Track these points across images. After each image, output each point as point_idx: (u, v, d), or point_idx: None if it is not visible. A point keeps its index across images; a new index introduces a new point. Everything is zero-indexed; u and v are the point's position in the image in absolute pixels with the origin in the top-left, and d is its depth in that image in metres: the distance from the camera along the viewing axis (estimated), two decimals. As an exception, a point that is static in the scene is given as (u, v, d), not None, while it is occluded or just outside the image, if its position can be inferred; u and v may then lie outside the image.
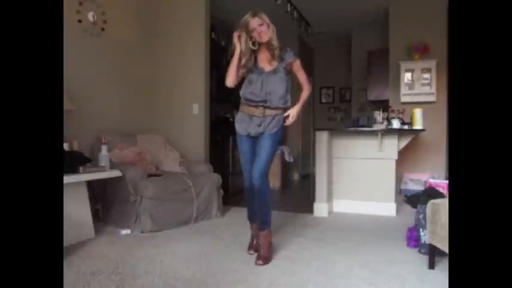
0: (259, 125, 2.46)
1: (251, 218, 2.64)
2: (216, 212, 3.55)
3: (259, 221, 2.49)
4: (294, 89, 2.62)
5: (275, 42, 2.42)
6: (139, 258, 2.38)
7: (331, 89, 7.79)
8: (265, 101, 2.43)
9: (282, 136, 2.59)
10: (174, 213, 3.17)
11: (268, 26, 2.39)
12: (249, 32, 2.37)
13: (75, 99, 3.23)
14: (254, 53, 2.45)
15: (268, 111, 2.45)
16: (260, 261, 2.32)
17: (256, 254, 2.45)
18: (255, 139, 2.51)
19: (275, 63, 2.46)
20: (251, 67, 2.45)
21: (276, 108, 2.46)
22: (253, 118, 2.47)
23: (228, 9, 5.13)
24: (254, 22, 2.35)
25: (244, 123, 2.50)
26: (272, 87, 2.43)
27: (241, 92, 2.51)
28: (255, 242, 2.57)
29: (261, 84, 2.43)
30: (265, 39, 2.38)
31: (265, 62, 2.47)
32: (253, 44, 2.40)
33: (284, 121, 2.51)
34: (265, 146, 2.45)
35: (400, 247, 2.66)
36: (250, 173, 2.49)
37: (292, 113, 2.49)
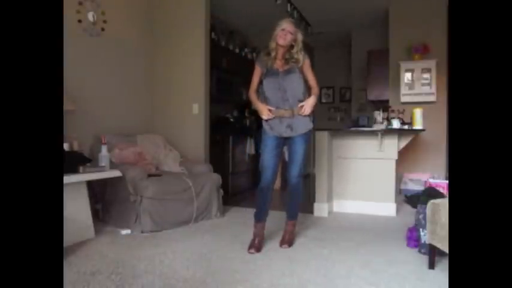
0: (290, 127, 2.59)
1: (259, 217, 2.67)
2: (216, 212, 3.55)
3: (291, 212, 2.75)
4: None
5: (298, 57, 2.59)
6: (139, 258, 2.39)
7: (331, 89, 7.80)
8: (288, 100, 2.58)
9: (311, 133, 2.76)
10: (174, 213, 3.17)
11: (295, 40, 2.59)
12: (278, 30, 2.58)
13: (75, 99, 3.23)
14: (274, 54, 2.61)
15: (296, 110, 2.59)
16: (286, 245, 2.63)
17: (257, 254, 2.50)
18: (283, 139, 2.65)
19: (287, 66, 2.61)
20: (267, 69, 2.62)
21: (302, 105, 2.60)
22: (282, 120, 2.60)
23: (227, 9, 5.14)
24: (288, 25, 2.58)
25: (275, 125, 2.62)
26: (289, 87, 2.58)
27: (262, 96, 2.67)
28: (256, 241, 2.58)
29: (278, 85, 2.59)
30: (280, 41, 2.56)
31: (279, 65, 2.63)
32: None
33: (311, 120, 2.68)
34: (298, 151, 2.63)
35: (400, 247, 2.66)
36: (271, 173, 2.61)
37: (308, 102, 2.60)
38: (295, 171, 2.64)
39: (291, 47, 2.60)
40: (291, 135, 2.62)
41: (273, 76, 2.61)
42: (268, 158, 2.62)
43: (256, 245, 2.56)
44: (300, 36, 2.63)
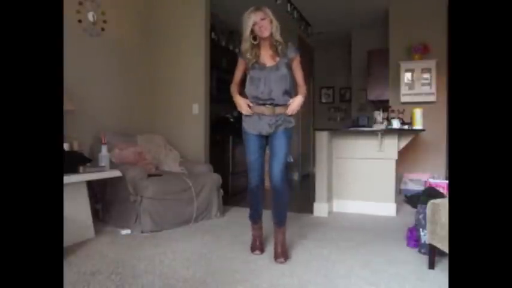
0: (270, 125, 2.41)
1: (254, 218, 2.61)
2: (216, 212, 3.55)
3: (278, 219, 2.47)
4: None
5: (279, 38, 2.38)
6: (139, 258, 2.39)
7: (331, 89, 7.80)
8: (272, 99, 2.39)
9: (292, 131, 2.54)
10: (174, 213, 3.17)
11: (271, 22, 2.34)
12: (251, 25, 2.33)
13: (75, 99, 3.23)
14: (256, 49, 2.41)
15: (278, 109, 2.41)
16: (282, 259, 2.34)
17: (260, 254, 2.48)
18: (264, 138, 2.48)
19: (277, 59, 2.41)
20: (253, 63, 2.41)
21: (284, 105, 2.43)
22: (262, 117, 2.42)
23: (227, 9, 5.14)
24: (256, 16, 2.32)
25: (253, 122, 2.45)
26: (275, 84, 2.38)
27: (246, 90, 2.47)
28: (258, 242, 2.56)
29: (264, 81, 2.38)
30: (265, 34, 2.33)
31: (267, 57, 2.43)
32: (254, 38, 2.38)
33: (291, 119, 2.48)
34: (281, 145, 2.41)
35: (400, 247, 2.66)
36: (258, 174, 2.48)
37: (295, 102, 2.42)
38: (277, 166, 2.39)
39: None
40: (271, 132, 2.43)
41: (258, 71, 2.40)
42: (253, 159, 2.48)
43: (259, 246, 2.54)
44: (269, 12, 2.35)
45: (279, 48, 2.39)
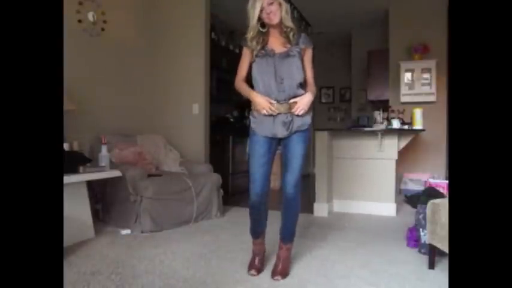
0: (286, 125, 2.07)
1: (256, 233, 2.27)
2: (216, 212, 3.55)
3: (286, 233, 2.20)
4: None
5: (290, 24, 2.09)
6: (139, 258, 2.39)
7: (331, 89, 7.80)
8: (284, 91, 2.06)
9: (310, 131, 2.21)
10: (174, 213, 3.17)
11: (280, 5, 2.06)
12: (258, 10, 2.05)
13: (75, 99, 3.23)
14: (264, 36, 2.12)
15: (294, 105, 2.06)
16: (279, 277, 2.08)
17: (256, 276, 2.15)
18: (276, 140, 2.15)
19: (288, 46, 2.10)
20: (259, 50, 2.10)
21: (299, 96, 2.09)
22: (277, 116, 2.07)
23: (227, 9, 5.14)
24: (263, 0, 2.03)
25: (265, 122, 2.09)
26: (286, 73, 2.06)
27: (255, 87, 2.14)
28: (257, 261, 2.22)
29: (273, 69, 2.06)
30: (275, 20, 2.04)
31: (277, 45, 2.11)
32: (262, 25, 2.10)
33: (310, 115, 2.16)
34: (296, 154, 2.10)
35: (400, 247, 2.66)
36: (262, 187, 2.12)
37: (303, 100, 2.07)
38: (292, 179, 2.09)
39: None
40: (287, 134, 2.09)
41: (266, 58, 2.07)
42: (260, 163, 2.11)
43: (257, 266, 2.20)
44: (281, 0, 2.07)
45: (291, 35, 2.10)
